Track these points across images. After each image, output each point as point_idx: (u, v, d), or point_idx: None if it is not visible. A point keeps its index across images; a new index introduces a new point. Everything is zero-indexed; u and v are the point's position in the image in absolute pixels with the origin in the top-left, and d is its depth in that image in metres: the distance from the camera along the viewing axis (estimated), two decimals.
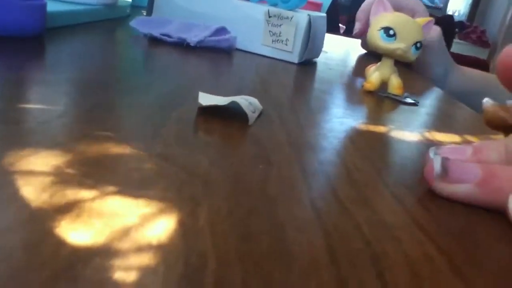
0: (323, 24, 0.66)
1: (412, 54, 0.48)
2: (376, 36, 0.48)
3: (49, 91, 0.31)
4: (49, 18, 0.50)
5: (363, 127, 0.37)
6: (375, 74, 0.51)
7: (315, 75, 0.59)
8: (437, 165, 0.24)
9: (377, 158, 0.30)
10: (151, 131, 0.27)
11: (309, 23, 0.60)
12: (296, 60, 0.62)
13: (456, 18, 3.90)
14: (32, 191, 0.17)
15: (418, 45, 0.48)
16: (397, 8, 0.73)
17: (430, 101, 0.57)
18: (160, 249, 0.15)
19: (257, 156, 0.26)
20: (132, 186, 0.19)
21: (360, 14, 0.81)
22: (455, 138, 0.39)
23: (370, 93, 0.51)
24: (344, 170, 0.26)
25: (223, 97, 0.34)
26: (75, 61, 0.42)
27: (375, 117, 0.43)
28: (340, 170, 0.26)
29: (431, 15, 0.57)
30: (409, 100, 0.49)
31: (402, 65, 0.63)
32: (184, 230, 0.17)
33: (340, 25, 2.68)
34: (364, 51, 0.92)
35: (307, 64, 0.64)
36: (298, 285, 0.15)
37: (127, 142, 0.24)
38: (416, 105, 0.49)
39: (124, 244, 0.15)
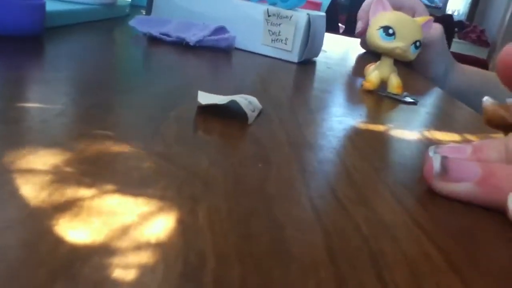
0: (323, 23, 0.66)
1: (411, 53, 0.48)
2: (375, 35, 0.48)
3: (48, 90, 0.31)
4: (48, 18, 0.50)
5: (363, 126, 0.37)
6: (374, 73, 0.51)
7: (314, 75, 0.59)
8: (436, 163, 0.24)
9: (376, 157, 0.30)
10: (151, 130, 0.27)
11: (309, 22, 0.60)
12: (295, 60, 0.62)
13: (456, 18, 3.90)
14: (31, 190, 0.17)
15: (418, 44, 0.48)
16: (397, 7, 0.73)
17: (429, 100, 0.57)
18: (159, 247, 0.15)
19: (256, 155, 0.26)
20: (131, 185, 0.19)
21: (361, 13, 0.81)
22: (455, 137, 0.39)
23: (369, 92, 0.51)
24: (343, 170, 0.26)
25: (222, 96, 0.33)
26: (74, 61, 0.42)
27: (374, 116, 0.43)
28: (339, 169, 0.26)
29: (430, 15, 0.57)
30: (408, 99, 0.49)
31: (402, 64, 0.63)
32: (183, 229, 0.17)
33: (339, 24, 2.68)
34: (363, 51, 0.92)
35: (307, 64, 0.64)
36: (297, 284, 0.15)
37: (126, 141, 0.24)
38: (416, 104, 0.49)
39: (123, 243, 0.15)
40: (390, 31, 0.47)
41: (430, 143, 0.35)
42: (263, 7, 0.62)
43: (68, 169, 0.20)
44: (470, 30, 3.92)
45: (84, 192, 0.18)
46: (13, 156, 0.20)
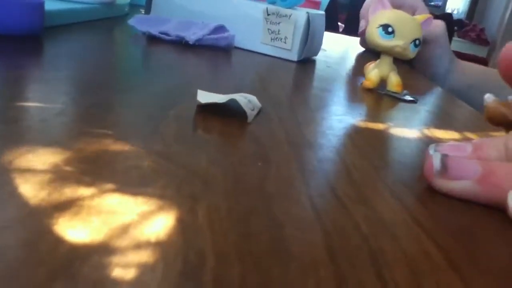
0: (322, 22, 0.66)
1: (411, 52, 0.48)
2: (375, 34, 0.48)
3: (48, 90, 0.31)
4: (47, 17, 0.50)
5: (362, 124, 0.37)
6: (374, 72, 0.51)
7: (314, 73, 0.59)
8: (436, 161, 0.24)
9: (376, 155, 0.30)
10: (150, 129, 0.27)
11: (308, 21, 0.60)
12: (295, 58, 0.62)
13: (455, 16, 3.90)
14: (31, 189, 0.17)
15: (417, 42, 0.48)
16: (397, 6, 0.73)
17: (429, 98, 0.57)
18: (159, 246, 0.15)
19: (256, 154, 0.26)
20: (130, 184, 0.19)
21: (364, 11, 0.81)
22: (454, 135, 0.39)
23: (369, 90, 0.51)
24: (343, 168, 0.26)
25: (222, 95, 0.33)
26: (74, 60, 0.42)
27: (374, 114, 0.43)
28: (339, 168, 0.26)
29: (430, 13, 0.57)
30: (408, 98, 0.49)
31: (402, 62, 0.63)
32: (183, 227, 0.17)
33: (339, 23, 2.68)
34: (363, 49, 0.92)
35: (306, 62, 0.64)
36: (297, 283, 0.15)
37: (125, 140, 0.24)
38: (415, 102, 0.49)
39: (123, 242, 0.15)
40: (390, 29, 0.47)
41: (429, 141, 0.35)
42: (263, 6, 0.62)
43: (67, 168, 0.20)
44: (469, 28, 3.92)
45: (83, 191, 0.18)
46: (12, 155, 0.20)
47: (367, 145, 0.32)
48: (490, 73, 0.79)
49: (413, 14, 0.74)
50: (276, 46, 0.62)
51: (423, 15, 0.50)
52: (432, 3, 4.20)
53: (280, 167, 0.25)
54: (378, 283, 0.16)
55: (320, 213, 0.20)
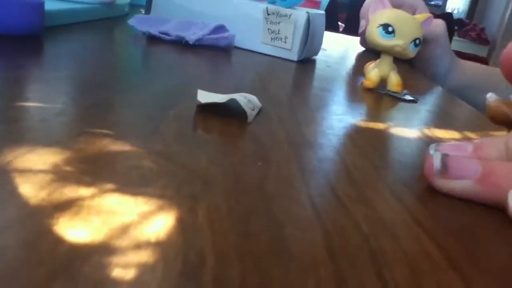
0: (322, 21, 0.66)
1: (411, 51, 0.48)
2: (375, 33, 0.48)
3: (48, 90, 0.31)
4: (47, 17, 0.50)
5: (362, 124, 0.37)
6: (374, 71, 0.51)
7: (314, 73, 0.59)
8: (437, 161, 0.24)
9: (376, 155, 0.30)
10: (150, 129, 0.27)
11: (308, 21, 0.60)
12: (295, 58, 0.62)
13: (455, 16, 3.89)
14: (31, 189, 0.17)
15: (417, 42, 0.48)
16: (397, 5, 0.73)
17: (429, 98, 0.57)
18: (159, 246, 0.15)
19: (256, 154, 0.26)
20: (131, 184, 0.19)
21: (364, 11, 0.80)
22: (455, 135, 0.39)
23: (369, 90, 0.51)
24: (343, 168, 0.26)
25: (222, 94, 0.33)
26: (74, 60, 0.42)
27: (374, 114, 0.43)
28: (339, 167, 0.26)
29: (430, 13, 0.57)
30: (408, 97, 0.49)
31: (402, 62, 0.63)
32: (183, 227, 0.17)
33: (339, 23, 2.68)
34: (363, 49, 0.92)
35: (306, 62, 0.64)
36: (297, 283, 0.15)
37: (126, 140, 0.24)
38: (415, 102, 0.49)
39: (123, 242, 0.15)
40: (390, 29, 0.47)
41: (430, 141, 0.35)
42: (263, 5, 0.62)
43: (67, 168, 0.20)
44: (470, 28, 3.92)
45: (83, 191, 0.18)
46: (12, 155, 0.20)
47: (367, 144, 0.32)
48: (491, 72, 0.79)
49: (413, 13, 0.74)
50: (276, 46, 0.62)
51: (423, 15, 0.50)
52: (432, 3, 4.20)
53: (280, 167, 0.25)
54: (378, 283, 0.16)
55: (320, 212, 0.20)
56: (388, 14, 0.48)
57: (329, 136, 0.32)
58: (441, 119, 0.48)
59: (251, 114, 0.32)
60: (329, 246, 0.18)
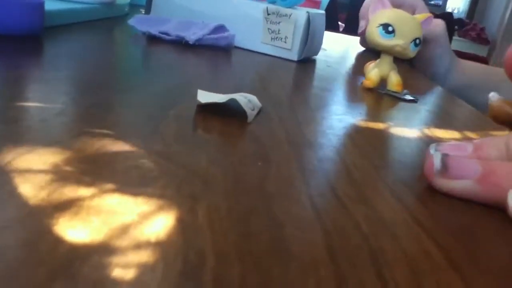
0: (322, 21, 0.66)
1: (411, 51, 0.48)
2: (375, 33, 0.48)
3: (48, 90, 0.31)
4: (47, 17, 0.50)
5: (362, 124, 0.37)
6: (374, 71, 0.51)
7: (314, 73, 0.59)
8: (437, 161, 0.24)
9: (376, 155, 0.30)
10: (150, 129, 0.27)
11: (308, 21, 0.60)
12: (295, 58, 0.62)
13: (456, 16, 3.89)
14: (31, 189, 0.17)
15: (417, 41, 0.48)
16: (397, 5, 0.73)
17: (429, 98, 0.57)
18: (159, 246, 0.15)
19: (256, 154, 0.26)
20: (130, 184, 0.19)
21: (363, 11, 0.80)
22: (455, 135, 0.39)
23: (369, 90, 0.51)
24: (343, 168, 0.26)
25: (222, 94, 0.33)
26: (74, 60, 0.42)
27: (374, 114, 0.43)
28: (339, 167, 0.26)
29: (430, 13, 0.57)
30: (408, 97, 0.49)
31: (402, 62, 0.63)
32: (183, 227, 0.17)
33: (339, 23, 2.68)
34: (363, 49, 0.92)
35: (306, 62, 0.64)
36: (297, 283, 0.15)
37: (125, 140, 0.24)
38: (416, 102, 0.49)
39: (123, 242, 0.15)
40: (390, 28, 0.47)
41: (430, 141, 0.35)
42: (263, 5, 0.62)
43: (67, 168, 0.20)
44: (470, 28, 3.92)
45: (83, 191, 0.18)
46: (12, 155, 0.20)
47: (367, 144, 0.32)
48: (491, 72, 0.79)
49: (413, 13, 0.74)
50: (276, 46, 0.62)
51: (423, 14, 0.50)
52: (432, 2, 4.20)
53: (280, 166, 0.25)
54: (378, 283, 0.16)
55: (320, 212, 0.20)
56: (388, 14, 0.48)
57: (329, 136, 0.32)
58: (441, 119, 0.48)
59: (251, 114, 0.32)
60: (329, 246, 0.18)
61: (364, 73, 0.54)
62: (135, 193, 0.19)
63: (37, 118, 0.25)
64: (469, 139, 0.31)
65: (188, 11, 0.67)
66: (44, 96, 0.29)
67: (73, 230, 0.15)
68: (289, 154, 0.27)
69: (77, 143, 0.22)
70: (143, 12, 0.86)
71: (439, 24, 0.77)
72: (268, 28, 0.62)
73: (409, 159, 0.30)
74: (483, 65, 0.84)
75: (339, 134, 0.33)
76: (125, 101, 0.32)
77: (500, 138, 0.26)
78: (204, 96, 0.32)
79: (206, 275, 0.14)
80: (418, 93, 0.54)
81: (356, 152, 0.30)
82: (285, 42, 0.61)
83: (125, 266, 0.14)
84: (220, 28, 0.62)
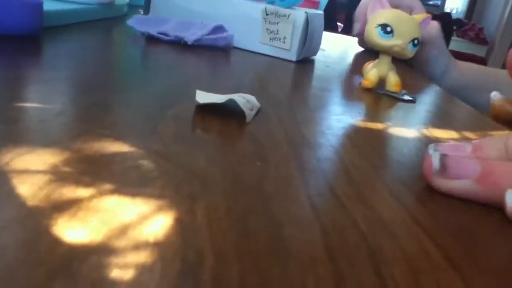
0: (321, 21, 0.66)
1: (410, 51, 0.48)
2: (374, 33, 0.48)
3: (47, 90, 0.31)
4: (46, 17, 0.50)
5: (361, 124, 0.37)
6: (372, 71, 0.51)
7: (313, 73, 0.59)
8: (435, 161, 0.24)
9: (375, 155, 0.30)
10: (149, 129, 0.27)
11: (307, 21, 0.60)
12: (293, 58, 0.62)
13: (454, 16, 3.90)
14: (29, 189, 0.17)
15: (416, 41, 0.48)
16: (395, 5, 0.73)
17: (428, 98, 0.57)
18: (158, 246, 0.15)
19: (255, 154, 0.26)
20: (129, 184, 0.19)
21: (359, 13, 0.81)
22: (453, 135, 0.39)
23: (367, 90, 0.51)
24: (342, 168, 0.26)
25: (220, 95, 0.33)
26: (73, 60, 0.42)
27: (372, 114, 0.43)
28: (338, 167, 0.26)
29: (429, 13, 0.57)
30: (406, 97, 0.49)
31: (400, 62, 0.63)
32: (181, 227, 0.17)
33: (338, 23, 2.68)
34: (361, 49, 0.92)
35: (305, 62, 0.64)
36: (296, 282, 0.15)
37: (124, 140, 0.24)
38: (414, 102, 0.49)
39: (122, 242, 0.15)
40: (388, 29, 0.47)
41: (428, 141, 0.35)
42: (261, 5, 0.62)
43: (66, 168, 0.20)
44: (468, 28, 3.92)
45: (82, 191, 0.18)
46: (11, 155, 0.20)
47: (366, 144, 0.32)
48: (488, 73, 0.79)
49: (410, 14, 0.74)
50: (275, 46, 0.62)
51: (421, 15, 0.50)
52: (431, 3, 4.20)
53: (279, 166, 0.25)
54: (377, 282, 0.16)
55: (319, 212, 0.20)
56: (386, 14, 0.48)
57: (328, 136, 0.32)
58: (440, 119, 0.48)
59: (249, 114, 0.32)
60: (328, 245, 0.18)
61: (362, 73, 0.54)
62: (134, 193, 0.19)
63: (36, 119, 0.25)
64: (468, 139, 0.31)
65: (187, 12, 0.67)
66: (43, 96, 0.29)
67: (72, 230, 0.15)
68: (288, 154, 0.27)
69: (76, 143, 0.22)
70: (142, 13, 0.86)
71: (434, 26, 0.78)
72: (267, 29, 0.62)
73: (408, 159, 0.30)
74: (480, 66, 0.84)
75: (337, 134, 0.33)
76: (124, 101, 0.32)
77: (499, 138, 0.26)
78: (203, 97, 0.32)
79: (205, 275, 0.14)
80: (416, 93, 0.54)
81: (355, 152, 0.30)
82: (284, 43, 0.62)
83: (124, 266, 0.14)
84: (219, 29, 0.62)
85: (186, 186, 0.20)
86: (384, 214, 0.21)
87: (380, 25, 0.47)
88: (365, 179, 0.25)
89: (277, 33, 0.62)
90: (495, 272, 0.18)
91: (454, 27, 3.69)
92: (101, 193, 0.18)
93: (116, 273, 0.14)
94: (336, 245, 0.18)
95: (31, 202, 0.17)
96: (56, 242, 0.15)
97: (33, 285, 0.12)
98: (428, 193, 0.25)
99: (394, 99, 0.49)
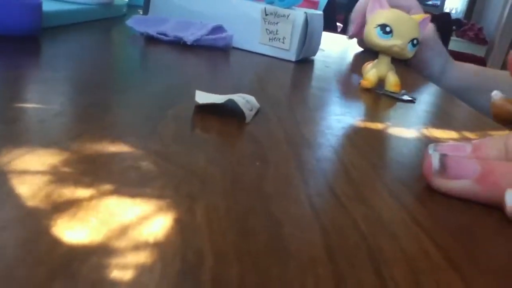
0: (320, 22, 0.66)
1: (409, 51, 0.48)
2: (373, 33, 0.48)
3: (46, 90, 0.31)
4: (45, 18, 0.50)
5: (361, 124, 0.37)
6: (372, 72, 0.51)
7: (312, 73, 0.59)
8: (435, 161, 0.24)
9: (375, 155, 0.30)
10: (148, 129, 0.27)
11: (306, 21, 0.60)
12: (293, 58, 0.62)
13: (453, 16, 3.90)
14: (29, 190, 0.17)
15: (415, 42, 0.48)
16: (393, 6, 0.73)
17: (427, 98, 0.57)
18: (157, 246, 0.15)
19: (254, 154, 0.26)
20: (129, 184, 0.19)
21: (354, 15, 0.81)
22: (453, 135, 0.39)
23: (367, 90, 0.51)
24: (342, 167, 0.26)
25: (220, 95, 0.33)
26: (72, 60, 0.42)
27: (372, 114, 0.43)
28: (337, 167, 0.26)
29: (428, 13, 0.57)
30: (406, 97, 0.49)
31: (400, 62, 0.63)
32: (181, 227, 0.17)
33: (337, 23, 2.68)
34: (361, 49, 0.92)
35: (304, 62, 0.64)
36: (296, 282, 0.15)
37: (124, 140, 0.24)
38: (413, 102, 0.49)
39: (121, 242, 0.15)
40: (388, 29, 0.47)
41: (428, 141, 0.35)
42: (261, 6, 0.62)
43: (66, 169, 0.20)
44: (467, 28, 3.92)
45: (82, 191, 0.18)
46: (11, 156, 0.20)
47: (365, 144, 0.32)
48: (488, 73, 0.79)
49: (408, 13, 0.74)
50: (274, 46, 0.62)
51: (421, 15, 0.50)
52: (430, 3, 4.21)
53: (278, 166, 0.25)
54: (377, 282, 0.16)
55: (318, 212, 0.20)
56: (386, 14, 0.48)
57: (327, 136, 0.32)
58: (440, 119, 0.48)
59: (249, 114, 0.32)
60: (327, 245, 0.18)
61: (362, 73, 0.54)
62: (133, 194, 0.19)
63: (35, 119, 0.25)
64: (468, 139, 0.31)
65: (186, 12, 0.67)
66: (43, 96, 0.29)
67: (71, 231, 0.15)
68: (287, 154, 0.27)
69: (76, 143, 0.22)
70: (141, 13, 0.86)
71: (428, 28, 0.78)
72: (266, 29, 0.62)
73: (408, 159, 0.30)
74: (480, 67, 0.84)
75: (337, 134, 0.33)
76: (123, 101, 0.32)
77: (499, 139, 0.26)
78: (202, 97, 0.32)
79: (204, 275, 0.14)
80: (416, 93, 0.54)
81: (354, 152, 0.30)
82: (283, 43, 0.62)
83: (124, 266, 0.14)
84: (218, 29, 0.62)
85: (185, 186, 0.20)
86: (384, 214, 0.21)
87: (379, 25, 0.47)
88: (364, 179, 0.25)
89: (276, 33, 0.62)
90: (495, 272, 0.18)
91: (454, 27, 3.69)
92: (101, 193, 0.18)
93: (116, 273, 0.14)
94: (336, 245, 0.18)
95: (31, 202, 0.17)
96: (56, 242, 0.14)
97: (33, 285, 0.12)
98: (428, 193, 0.25)
99: (394, 99, 0.49)
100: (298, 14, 0.60)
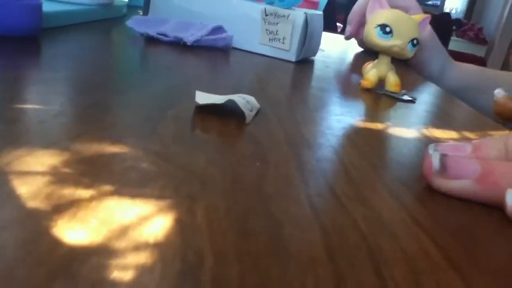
0: (320, 22, 0.66)
1: (409, 51, 0.48)
2: (373, 34, 0.48)
3: (46, 90, 0.31)
4: (45, 18, 0.50)
5: (361, 124, 0.37)
6: (372, 72, 0.51)
7: (312, 73, 0.59)
8: (435, 161, 0.24)
9: (375, 155, 0.30)
10: (148, 130, 0.27)
11: (306, 21, 0.60)
12: (293, 59, 0.62)
13: (453, 16, 3.90)
14: (29, 190, 0.17)
15: (415, 42, 0.48)
16: (392, 6, 0.73)
17: (427, 98, 0.57)
18: (157, 247, 0.15)
19: (254, 154, 0.26)
20: (129, 185, 0.19)
21: (351, 16, 0.81)
22: (453, 135, 0.39)
23: (367, 90, 0.51)
24: (342, 168, 0.26)
25: (220, 95, 0.33)
26: (72, 61, 0.42)
27: (372, 114, 0.43)
28: (338, 167, 0.26)
29: (428, 13, 0.57)
30: (406, 97, 0.49)
31: (400, 62, 0.63)
32: (181, 228, 0.17)
33: (337, 23, 2.68)
34: (361, 49, 0.92)
35: (304, 63, 0.64)
36: (296, 282, 0.15)
37: (124, 140, 0.24)
38: (414, 102, 0.49)
39: (121, 243, 0.15)
40: (387, 29, 0.47)
41: (428, 141, 0.35)
42: (261, 6, 0.62)
43: (66, 169, 0.20)
44: (467, 28, 3.92)
45: (82, 192, 0.18)
46: (11, 156, 0.20)
47: (365, 144, 0.32)
48: (488, 74, 0.79)
49: (407, 13, 0.74)
50: (274, 47, 0.62)
51: (420, 15, 0.50)
52: (430, 3, 4.21)
53: (278, 166, 0.25)
54: (377, 282, 0.16)
55: (318, 212, 0.20)
56: (386, 15, 0.48)
57: (327, 136, 0.32)
58: (440, 119, 0.48)
59: (249, 115, 0.32)
60: (327, 245, 0.18)
61: (362, 73, 0.54)
62: (133, 194, 0.19)
63: (35, 119, 0.25)
64: (468, 139, 0.31)
65: (186, 12, 0.67)
66: (43, 97, 0.29)
67: (72, 231, 0.15)
68: (287, 154, 0.27)
69: (76, 144, 0.22)
70: (141, 13, 0.86)
71: (427, 28, 0.78)
72: (266, 29, 0.62)
73: (408, 159, 0.30)
74: (479, 67, 0.84)
75: (337, 134, 0.33)
76: (123, 102, 0.32)
77: (499, 139, 0.26)
78: (202, 97, 0.32)
79: (204, 275, 0.14)
80: (416, 93, 0.54)
81: (354, 152, 0.30)
82: (283, 43, 0.62)
83: (124, 266, 0.14)
84: (218, 29, 0.62)
85: (185, 187, 0.20)
86: (384, 214, 0.21)
87: (379, 25, 0.47)
88: (365, 179, 0.25)
89: (276, 34, 0.62)
90: (495, 272, 0.18)
91: (454, 27, 3.69)
92: (101, 194, 0.18)
93: (116, 274, 0.14)
94: (336, 245, 0.18)
95: (31, 202, 0.17)
96: (56, 243, 0.14)
97: (33, 286, 0.12)
98: (428, 193, 0.25)
99: (394, 99, 0.49)
100: (298, 14, 0.60)
